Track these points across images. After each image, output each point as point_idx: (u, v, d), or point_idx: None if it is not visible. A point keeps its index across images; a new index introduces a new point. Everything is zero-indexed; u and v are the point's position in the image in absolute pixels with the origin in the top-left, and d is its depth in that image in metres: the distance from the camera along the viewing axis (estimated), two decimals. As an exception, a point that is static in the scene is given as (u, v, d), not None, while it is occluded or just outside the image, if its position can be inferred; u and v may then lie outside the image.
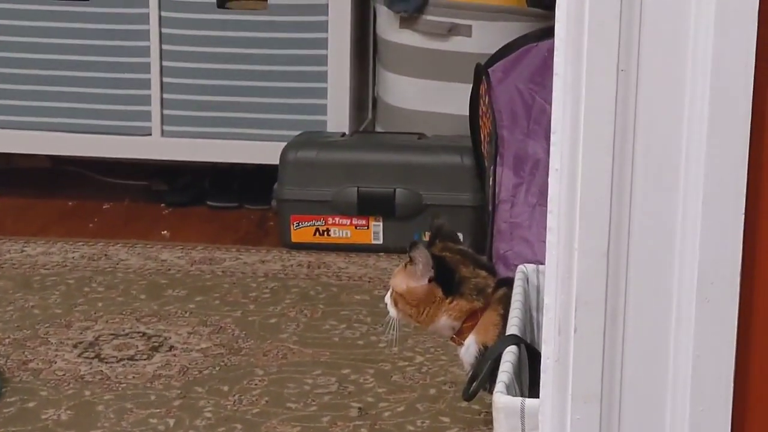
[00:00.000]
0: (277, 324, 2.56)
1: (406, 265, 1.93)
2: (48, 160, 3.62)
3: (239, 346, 2.45)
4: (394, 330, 1.95)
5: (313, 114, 3.24)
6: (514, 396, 1.39)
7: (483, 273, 1.92)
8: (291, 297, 2.72)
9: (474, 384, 1.54)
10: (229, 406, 2.18)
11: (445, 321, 1.92)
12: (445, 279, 1.89)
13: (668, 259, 1.14)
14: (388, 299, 1.96)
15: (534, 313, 1.66)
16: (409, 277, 1.91)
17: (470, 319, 1.89)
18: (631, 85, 1.11)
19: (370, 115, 3.44)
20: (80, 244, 3.05)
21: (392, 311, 1.94)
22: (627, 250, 1.14)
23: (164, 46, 3.23)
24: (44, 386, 2.25)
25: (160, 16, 3.22)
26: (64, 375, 2.30)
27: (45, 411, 2.15)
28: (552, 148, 1.13)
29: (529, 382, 1.53)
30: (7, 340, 2.45)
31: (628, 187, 1.13)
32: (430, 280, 1.90)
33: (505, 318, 1.80)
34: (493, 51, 3.06)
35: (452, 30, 3.04)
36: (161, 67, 3.25)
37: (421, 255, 1.87)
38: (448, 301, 1.90)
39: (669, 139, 1.12)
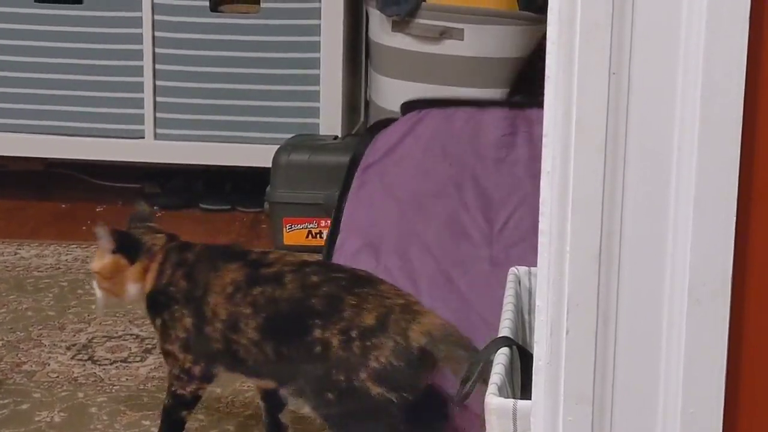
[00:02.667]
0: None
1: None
2: (41, 162, 3.61)
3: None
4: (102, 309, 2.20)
5: (305, 117, 3.24)
6: (506, 398, 1.38)
7: (160, 236, 2.04)
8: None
9: (467, 385, 1.53)
10: (221, 408, 2.19)
11: (132, 286, 2.00)
12: (128, 249, 2.00)
13: (660, 260, 1.14)
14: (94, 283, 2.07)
15: (526, 316, 1.66)
16: (99, 257, 2.02)
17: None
18: (622, 87, 1.11)
19: (362, 118, 3.44)
20: (73, 246, 3.05)
21: (97, 292, 2.05)
22: (619, 252, 1.14)
23: (157, 50, 3.23)
24: (37, 388, 2.25)
25: (153, 20, 3.21)
26: (57, 377, 2.31)
27: (38, 413, 2.16)
28: (544, 150, 1.13)
29: (521, 384, 1.53)
30: (0, 342, 2.45)
31: (619, 190, 1.13)
32: (114, 253, 2.00)
33: (164, 266, 1.97)
34: (485, 55, 3.07)
35: (444, 33, 3.04)
36: (154, 70, 3.24)
37: (100, 231, 2.00)
38: (131, 267, 2.00)
39: (660, 141, 1.12)
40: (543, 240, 1.15)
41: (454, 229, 1.99)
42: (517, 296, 1.63)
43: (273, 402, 2.03)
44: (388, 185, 2.05)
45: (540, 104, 1.41)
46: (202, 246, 2.04)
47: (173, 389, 1.97)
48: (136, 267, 1.99)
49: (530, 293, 1.65)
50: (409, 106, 2.10)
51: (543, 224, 1.15)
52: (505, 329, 1.55)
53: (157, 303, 1.98)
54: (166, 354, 1.98)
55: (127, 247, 2.00)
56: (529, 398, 1.19)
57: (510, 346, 1.51)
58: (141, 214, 2.13)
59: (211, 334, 1.91)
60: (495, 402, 1.36)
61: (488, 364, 1.50)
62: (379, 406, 1.78)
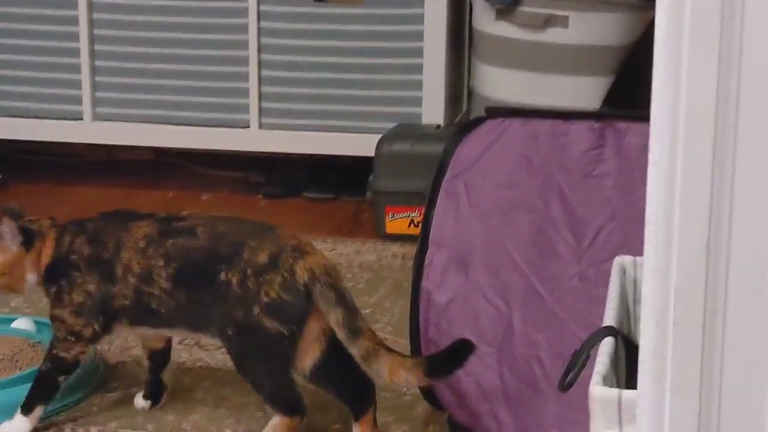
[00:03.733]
0: (372, 314, 2.56)
1: None
2: (150, 151, 3.66)
3: (333, 336, 2.47)
4: None
5: (408, 106, 3.24)
6: (610, 387, 1.37)
7: (44, 220, 2.08)
8: (385, 288, 2.72)
9: (570, 374, 1.52)
10: (323, 393, 2.20)
11: (30, 274, 2.05)
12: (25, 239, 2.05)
13: (770, 252, 1.11)
14: None
15: (631, 306, 1.63)
16: (2, 252, 2.04)
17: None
18: (732, 75, 1.09)
19: (465, 107, 3.43)
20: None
21: None
22: (727, 243, 1.12)
23: (262, 40, 3.26)
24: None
25: (258, 10, 3.24)
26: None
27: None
28: (651, 140, 1.11)
29: (626, 374, 1.51)
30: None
31: (728, 180, 1.11)
32: (22, 245, 2.03)
33: (60, 240, 2.03)
34: (589, 42, 3.04)
35: (548, 21, 3.01)
36: (259, 60, 3.27)
37: (6, 227, 2.02)
38: (27, 255, 2.04)
39: (771, 130, 1.09)
40: (650, 230, 1.13)
41: (542, 244, 1.97)
42: (622, 286, 1.61)
43: (157, 361, 2.16)
44: (474, 197, 2.02)
45: (629, 116, 1.40)
46: (99, 215, 2.12)
47: (54, 352, 2.03)
48: (31, 254, 2.04)
49: (635, 284, 1.63)
50: (493, 112, 2.08)
51: (650, 214, 1.14)
52: (609, 319, 1.53)
53: (55, 272, 2.04)
54: (55, 318, 2.04)
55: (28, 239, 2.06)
56: (634, 388, 1.18)
57: (615, 336, 1.49)
58: (11, 211, 2.13)
59: (120, 292, 1.99)
60: (599, 391, 1.35)
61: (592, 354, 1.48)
62: (273, 339, 1.92)
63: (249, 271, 1.92)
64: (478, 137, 2.05)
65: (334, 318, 1.92)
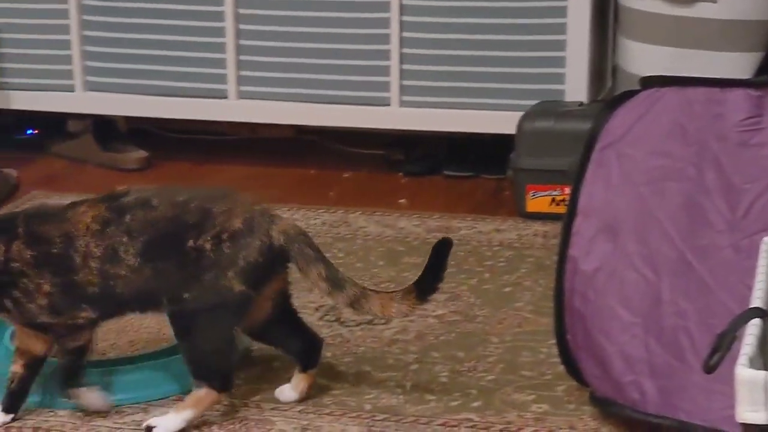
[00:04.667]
0: (512, 293, 2.56)
1: None
2: (291, 129, 3.71)
3: (474, 313, 2.46)
4: None
5: (550, 83, 3.22)
6: (757, 369, 1.34)
7: None
8: (526, 266, 2.71)
9: (715, 356, 1.50)
10: (464, 372, 2.20)
11: None
12: None
13: None
14: None
15: (781, 287, 1.60)
16: None
17: None
18: None
19: (609, 84, 3.39)
20: (321, 211, 3.12)
21: None
22: None
23: (404, 17, 3.26)
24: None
25: (400, -12, 3.25)
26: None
27: (289, 371, 2.19)
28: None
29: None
30: (252, 302, 2.52)
31: None
32: None
33: None
34: (739, 17, 2.97)
35: (697, -4, 2.97)
36: (401, 38, 3.28)
37: None
38: None
39: None
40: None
41: (694, 213, 1.94)
42: (772, 267, 1.58)
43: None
44: (626, 166, 2.00)
45: None
46: (22, 215, 2.05)
47: (66, 346, 2.02)
48: None
49: (785, 263, 1.60)
50: (648, 82, 2.04)
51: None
52: (757, 300, 1.51)
53: (2, 286, 1.97)
54: (37, 328, 2.00)
55: None
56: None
57: (762, 318, 1.46)
58: None
59: (84, 279, 1.95)
60: (746, 374, 1.33)
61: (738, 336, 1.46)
62: (236, 302, 1.96)
63: (224, 236, 1.94)
64: (630, 108, 2.03)
65: (316, 273, 1.98)
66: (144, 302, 2.01)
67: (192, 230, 1.96)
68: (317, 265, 1.99)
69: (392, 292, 2.04)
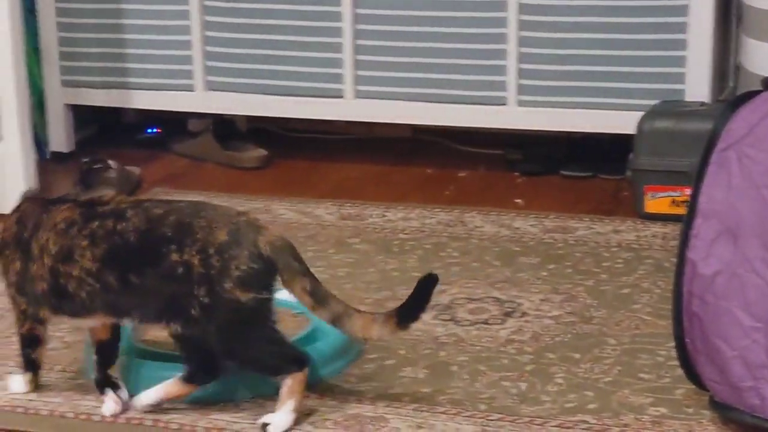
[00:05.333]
0: (630, 294, 2.54)
1: None
2: (408, 129, 3.72)
3: (591, 314, 2.45)
4: None
5: (670, 83, 3.18)
6: None
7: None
8: (644, 268, 2.69)
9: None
10: (580, 374, 2.19)
11: None
12: None
13: None
14: None
15: None
16: None
17: None
18: None
19: (731, 84, 3.34)
20: (437, 210, 3.12)
21: None
22: None
23: (522, 17, 3.25)
24: (402, 345, 2.32)
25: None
26: (420, 336, 2.36)
27: (403, 369, 2.23)
28: None
29: None
30: (368, 300, 2.53)
31: None
32: None
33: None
34: None
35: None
36: (518, 37, 3.27)
37: None
38: None
39: None
40: None
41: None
42: None
43: (104, 354, 2.13)
44: (747, 167, 1.97)
45: None
46: (31, 194, 2.21)
47: (17, 329, 2.13)
48: None
49: None
50: (769, 82, 2.02)
51: None
52: None
53: None
54: (9, 297, 2.12)
55: None
56: None
57: None
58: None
59: (37, 272, 2.03)
60: None
61: None
62: (252, 308, 1.97)
63: (211, 250, 1.95)
64: (752, 109, 2.00)
65: (300, 287, 1.99)
66: (113, 309, 2.05)
67: (170, 244, 1.97)
68: (302, 279, 1.99)
69: (375, 314, 2.04)
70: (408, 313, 2.02)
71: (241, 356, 2.04)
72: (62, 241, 2.02)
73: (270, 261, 1.97)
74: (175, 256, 1.96)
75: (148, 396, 2.06)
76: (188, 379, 2.05)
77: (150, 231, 1.99)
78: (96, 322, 2.11)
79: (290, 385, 2.02)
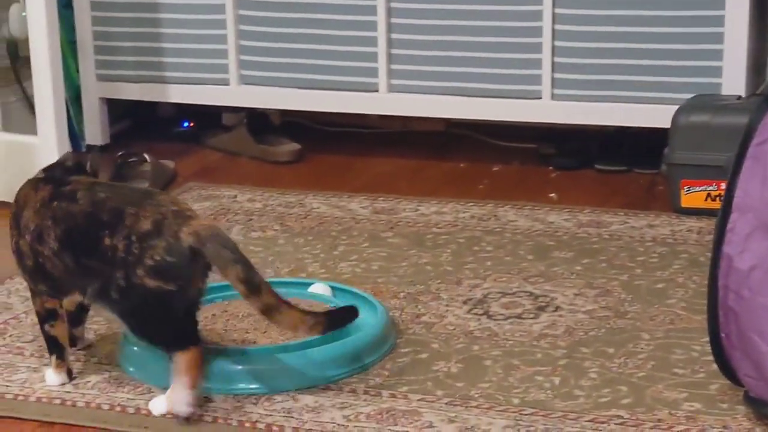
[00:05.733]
0: (665, 289, 2.53)
1: None
2: (442, 123, 3.72)
3: (625, 309, 2.44)
4: None
5: (706, 76, 3.16)
6: None
7: None
8: (680, 262, 2.68)
9: None
10: (614, 369, 2.19)
11: None
12: None
13: None
14: None
15: None
16: None
17: None
18: None
19: (767, 78, 3.32)
20: (471, 204, 3.12)
21: None
22: None
23: (557, 10, 3.25)
24: (435, 339, 2.33)
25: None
26: (454, 329, 2.37)
27: (436, 363, 2.23)
28: None
29: None
30: (401, 294, 2.54)
31: None
32: None
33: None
34: None
35: None
36: (553, 30, 3.27)
37: None
38: None
39: None
40: None
41: None
42: None
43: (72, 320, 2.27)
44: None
45: None
46: (42, 172, 2.24)
47: (34, 309, 2.20)
48: None
49: None
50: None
51: None
52: None
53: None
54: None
55: None
56: None
57: None
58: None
59: (24, 250, 2.12)
60: None
61: None
62: (158, 297, 2.01)
63: (133, 238, 2.01)
64: None
65: (234, 274, 2.00)
66: (81, 290, 2.11)
67: (106, 228, 2.03)
68: (234, 266, 2.00)
69: (306, 314, 2.06)
70: (336, 322, 2.09)
71: (139, 332, 2.10)
72: (36, 220, 2.11)
73: (194, 251, 2.00)
74: (107, 241, 2.03)
75: (158, 405, 2.09)
76: (170, 356, 2.07)
77: (92, 215, 2.07)
78: (74, 300, 2.20)
79: (178, 362, 2.05)
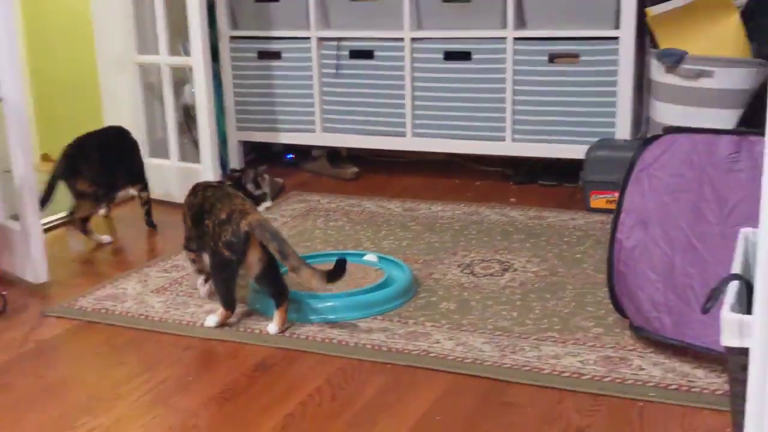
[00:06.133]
0: (581, 258, 2.54)
1: None
2: (445, 155, 3.66)
3: (556, 270, 2.44)
4: None
5: (607, 127, 3.15)
6: (737, 313, 1.32)
7: None
8: (590, 242, 2.68)
9: (709, 303, 1.47)
10: (549, 307, 2.19)
11: None
12: None
13: None
14: None
15: (750, 261, 1.56)
16: None
17: None
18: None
19: (644, 128, 3.31)
20: (462, 205, 3.11)
21: None
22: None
23: (515, 87, 3.22)
24: (440, 288, 2.33)
25: (513, 69, 3.21)
26: (452, 283, 2.37)
27: (441, 303, 2.24)
28: (765, 157, 1.06)
29: (746, 305, 1.45)
30: (420, 261, 2.54)
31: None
32: None
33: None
34: (727, 87, 2.87)
35: (700, 74, 2.87)
36: (512, 99, 3.25)
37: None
38: None
39: None
40: (763, 208, 1.09)
41: (697, 213, 1.89)
42: (746, 248, 1.54)
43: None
44: (653, 182, 1.96)
45: (758, 133, 1.31)
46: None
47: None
48: None
49: (754, 246, 1.56)
50: (668, 130, 2.01)
51: (764, 201, 1.09)
52: (736, 269, 1.48)
53: None
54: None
55: None
56: (750, 314, 1.14)
57: (740, 280, 1.43)
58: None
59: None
60: (729, 316, 1.31)
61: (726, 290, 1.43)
62: (226, 262, 2.04)
63: (216, 222, 2.04)
64: (657, 146, 1.99)
65: (272, 247, 1.99)
66: (205, 250, 2.13)
67: (205, 214, 2.09)
68: (272, 242, 1.99)
69: (315, 271, 2.00)
70: (333, 276, 2.02)
71: (214, 282, 2.13)
72: (192, 203, 2.20)
73: (246, 235, 2.01)
74: (207, 222, 2.08)
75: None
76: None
77: (201, 205, 2.12)
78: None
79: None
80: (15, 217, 2.48)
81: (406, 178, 3.56)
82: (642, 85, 3.24)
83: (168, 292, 2.36)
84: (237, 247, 2.03)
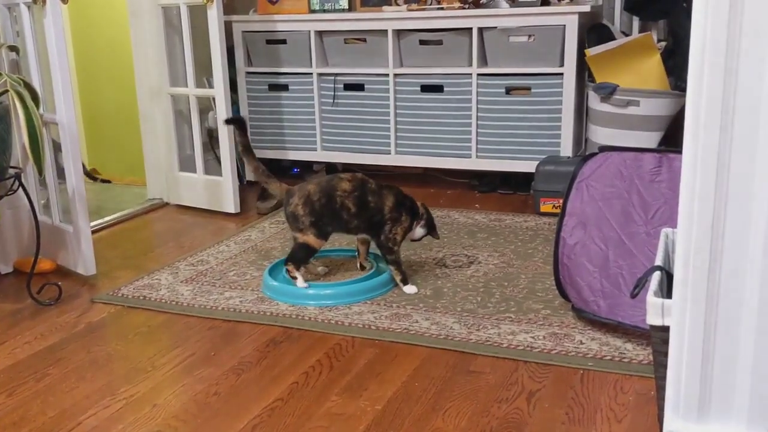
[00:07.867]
0: (532, 253, 2.53)
1: None
2: (422, 169, 3.67)
3: (512, 263, 2.44)
4: None
5: (553, 146, 3.15)
6: (659, 298, 1.32)
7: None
8: (539, 239, 2.67)
9: (637, 289, 1.47)
10: (507, 293, 2.18)
11: None
12: None
13: (744, 224, 1.05)
14: None
15: (671, 255, 1.57)
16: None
17: None
18: (726, 139, 1.03)
19: (583, 147, 3.31)
20: (436, 210, 3.10)
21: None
22: (723, 223, 1.07)
23: (480, 114, 3.22)
24: (419, 278, 2.31)
25: (477, 99, 3.21)
26: (428, 272, 2.36)
27: (419, 290, 2.22)
28: (683, 171, 1.07)
29: (666, 291, 1.45)
30: (402, 255, 2.51)
31: (724, 191, 1.06)
32: None
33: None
34: (651, 114, 2.88)
35: (629, 103, 2.88)
36: (477, 123, 3.24)
37: None
38: None
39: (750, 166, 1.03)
40: (682, 212, 1.10)
41: (626, 216, 1.90)
42: (666, 245, 1.55)
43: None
44: (591, 191, 1.97)
45: (677, 151, 1.30)
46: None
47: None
48: None
49: (673, 243, 1.56)
50: (603, 148, 2.02)
51: (682, 204, 1.10)
52: (659, 261, 1.48)
53: None
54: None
55: None
56: (671, 298, 1.14)
57: (661, 271, 1.44)
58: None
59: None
60: (653, 300, 1.31)
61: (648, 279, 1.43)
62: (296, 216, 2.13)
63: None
64: (594, 161, 2.00)
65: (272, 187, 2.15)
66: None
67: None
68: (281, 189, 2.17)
69: (281, 185, 2.20)
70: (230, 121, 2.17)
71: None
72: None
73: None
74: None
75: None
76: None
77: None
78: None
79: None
80: (68, 220, 2.46)
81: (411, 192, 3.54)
82: (582, 112, 3.25)
83: (195, 282, 2.35)
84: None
